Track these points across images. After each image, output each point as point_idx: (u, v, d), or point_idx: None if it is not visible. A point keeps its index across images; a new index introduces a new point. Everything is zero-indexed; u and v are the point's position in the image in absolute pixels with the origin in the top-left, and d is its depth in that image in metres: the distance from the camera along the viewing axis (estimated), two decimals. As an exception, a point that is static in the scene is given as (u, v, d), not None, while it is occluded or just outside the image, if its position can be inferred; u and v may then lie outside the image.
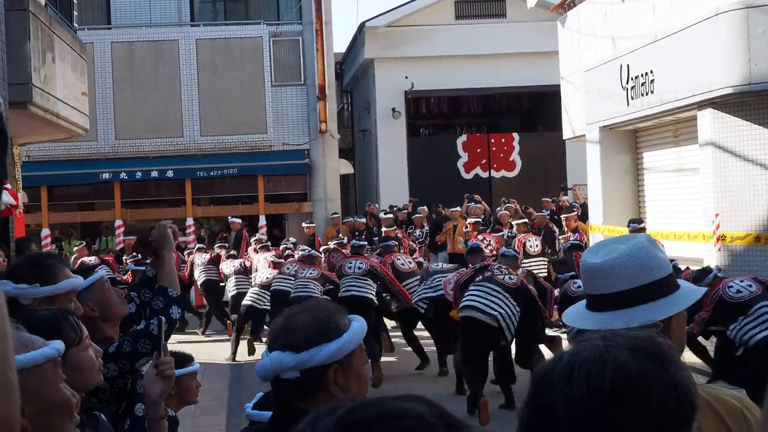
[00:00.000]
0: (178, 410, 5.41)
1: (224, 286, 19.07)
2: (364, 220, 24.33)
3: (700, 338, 10.52)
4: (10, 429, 1.43)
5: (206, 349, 17.09)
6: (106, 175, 26.41)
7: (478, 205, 23.23)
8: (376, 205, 26.22)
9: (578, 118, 19.32)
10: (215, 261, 20.02)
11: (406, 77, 28.65)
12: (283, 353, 2.58)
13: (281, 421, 2.61)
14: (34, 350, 2.36)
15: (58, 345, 2.46)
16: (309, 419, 1.12)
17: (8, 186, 10.80)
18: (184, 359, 5.44)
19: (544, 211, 21.50)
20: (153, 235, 4.75)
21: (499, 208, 23.19)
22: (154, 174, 26.55)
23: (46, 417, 2.31)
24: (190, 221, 26.65)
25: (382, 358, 14.41)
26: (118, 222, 26.52)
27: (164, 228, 4.66)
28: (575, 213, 18.61)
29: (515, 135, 30.42)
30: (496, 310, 11.23)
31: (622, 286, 2.63)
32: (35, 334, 2.71)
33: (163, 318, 4.25)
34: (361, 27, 29.88)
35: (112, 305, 4.30)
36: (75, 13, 16.02)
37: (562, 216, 18.73)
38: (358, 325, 2.69)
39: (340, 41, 66.20)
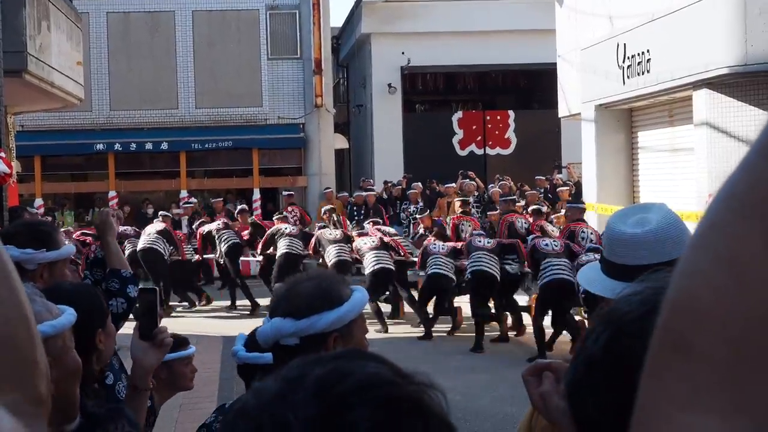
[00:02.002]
0: (168, 398, 5.08)
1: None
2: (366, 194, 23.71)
3: None
4: (44, 402, 1.45)
5: (200, 321, 17.12)
6: (100, 146, 26.36)
7: (472, 182, 23.23)
8: (371, 180, 26.20)
9: (574, 97, 19.29)
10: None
11: (403, 53, 28.59)
12: (283, 320, 2.59)
13: None
14: (56, 318, 2.41)
15: (73, 312, 2.52)
16: (277, 386, 1.09)
17: (2, 154, 10.80)
18: (178, 342, 5.10)
19: (537, 189, 21.52)
20: (96, 221, 4.72)
21: (492, 185, 23.21)
22: (149, 146, 26.51)
23: (63, 382, 2.36)
24: (184, 194, 26.59)
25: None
26: (112, 193, 26.51)
27: (106, 215, 4.67)
28: (569, 188, 18.55)
29: (511, 112, 30.41)
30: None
31: (659, 258, 2.57)
32: (86, 308, 2.81)
33: (157, 288, 4.29)
34: (359, 1, 29.78)
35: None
36: (71, -18, 15.95)
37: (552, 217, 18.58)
38: (359, 295, 2.71)
39: (337, 15, 66.00)
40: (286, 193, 23.73)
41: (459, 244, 15.45)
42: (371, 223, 17.41)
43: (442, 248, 15.25)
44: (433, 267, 14.98)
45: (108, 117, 26.36)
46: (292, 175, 27.23)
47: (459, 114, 30.54)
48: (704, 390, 0.85)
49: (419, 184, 24.00)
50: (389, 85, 29.01)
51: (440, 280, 14.97)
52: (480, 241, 14.67)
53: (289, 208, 21.65)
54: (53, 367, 2.30)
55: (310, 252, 17.11)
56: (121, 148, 26.44)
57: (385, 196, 24.38)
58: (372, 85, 29.46)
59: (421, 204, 22.78)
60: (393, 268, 15.71)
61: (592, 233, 14.59)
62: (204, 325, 16.75)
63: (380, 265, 15.50)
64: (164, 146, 26.43)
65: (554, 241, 13.64)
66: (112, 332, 3.21)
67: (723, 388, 0.84)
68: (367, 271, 15.55)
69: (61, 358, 2.39)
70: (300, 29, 26.87)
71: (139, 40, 26.32)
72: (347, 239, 16.63)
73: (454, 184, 23.03)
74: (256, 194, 26.75)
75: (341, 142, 30.09)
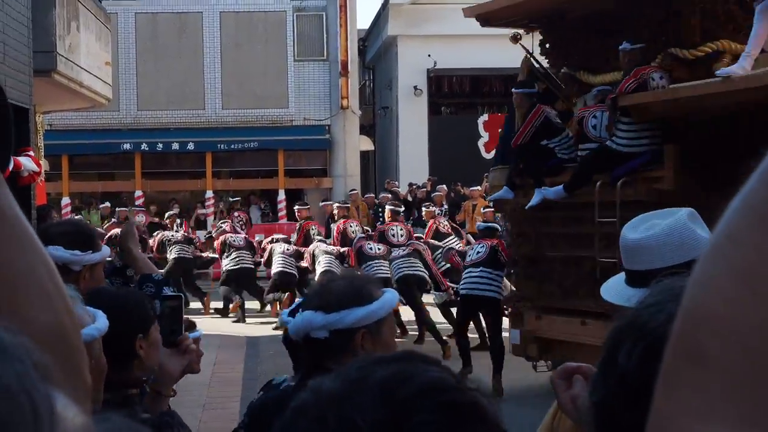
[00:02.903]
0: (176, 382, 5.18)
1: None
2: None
3: None
4: (89, 391, 1.51)
5: (224, 323, 17.19)
6: (127, 146, 26.51)
7: None
8: (396, 182, 26.22)
9: (600, 101, 19.22)
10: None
11: (429, 55, 28.58)
12: (314, 313, 2.68)
13: (310, 379, 2.68)
14: (93, 323, 2.47)
15: (105, 316, 2.58)
16: (339, 386, 1.11)
17: (30, 153, 10.89)
18: (185, 326, 5.25)
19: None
20: (120, 233, 4.82)
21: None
22: (175, 146, 26.64)
23: (96, 383, 2.43)
24: (209, 194, 26.74)
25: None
26: (138, 193, 26.64)
27: (131, 226, 4.81)
28: None
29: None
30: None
31: (661, 263, 2.61)
32: (125, 314, 2.88)
33: (182, 295, 4.35)
34: (385, 3, 29.82)
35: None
36: (100, -18, 16.07)
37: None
38: (390, 295, 2.78)
39: (363, 17, 66.08)
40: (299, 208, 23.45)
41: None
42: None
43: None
44: (467, 285, 12.24)
45: (135, 117, 26.50)
46: (318, 176, 27.30)
47: (485, 117, 30.47)
48: (718, 400, 0.85)
49: (444, 186, 24.00)
50: (415, 88, 29.02)
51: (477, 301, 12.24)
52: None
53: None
54: (91, 370, 2.36)
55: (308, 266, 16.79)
56: (147, 148, 26.58)
57: (410, 198, 24.37)
58: (398, 88, 29.48)
59: (445, 207, 22.77)
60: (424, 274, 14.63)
61: None
62: (227, 326, 16.82)
63: (408, 272, 14.53)
64: (190, 146, 26.55)
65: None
66: (156, 341, 3.23)
67: (737, 399, 0.85)
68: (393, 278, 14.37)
69: (98, 361, 2.44)
70: (327, 31, 26.93)
71: (167, 40, 26.45)
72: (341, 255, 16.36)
73: (479, 187, 23.00)
74: (281, 195, 26.82)
75: (366, 144, 30.13)
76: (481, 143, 29.60)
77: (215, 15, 26.61)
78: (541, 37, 12.12)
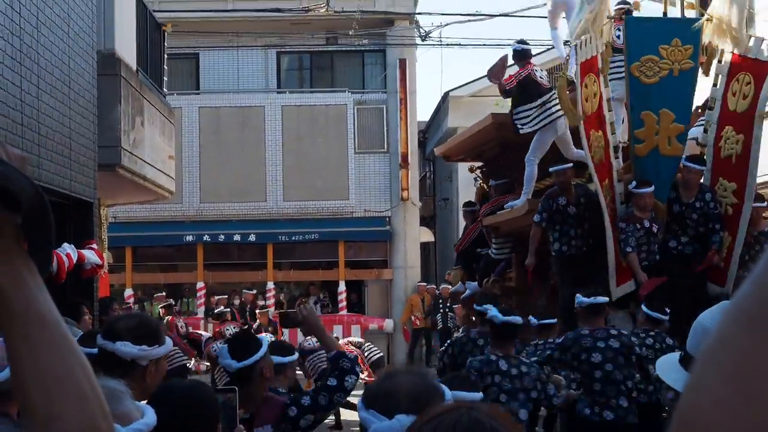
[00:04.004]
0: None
1: None
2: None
3: None
4: None
5: None
6: (189, 237, 26.76)
7: None
8: (456, 273, 26.13)
9: None
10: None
11: (489, 147, 28.65)
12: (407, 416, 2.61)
13: None
14: (142, 417, 2.49)
15: (153, 412, 2.59)
16: None
17: (94, 246, 11.03)
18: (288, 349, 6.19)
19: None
20: (300, 314, 5.27)
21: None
22: (237, 237, 26.84)
23: None
24: (270, 285, 26.83)
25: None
26: (200, 284, 26.80)
27: (312, 309, 5.72)
28: None
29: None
30: None
31: None
32: (200, 409, 2.93)
33: (236, 388, 4.44)
34: (445, 96, 30.05)
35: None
36: (165, 78, 16.39)
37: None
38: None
39: (423, 109, 66.72)
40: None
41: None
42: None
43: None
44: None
45: (198, 209, 26.79)
46: (378, 267, 27.31)
47: (545, 208, 30.36)
48: None
49: None
50: (475, 179, 29.01)
51: None
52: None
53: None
54: None
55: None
56: (209, 240, 26.81)
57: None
58: (458, 179, 29.51)
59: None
60: None
61: None
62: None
63: None
64: (252, 238, 26.74)
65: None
66: None
67: None
68: None
69: None
70: (387, 124, 27.18)
71: (230, 134, 26.83)
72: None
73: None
74: (342, 287, 26.83)
75: (427, 236, 30.14)
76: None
77: (277, 109, 26.99)
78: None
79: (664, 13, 11.76)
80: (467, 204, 15.19)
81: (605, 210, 10.53)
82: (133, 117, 13.10)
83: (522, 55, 12.18)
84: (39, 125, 9.76)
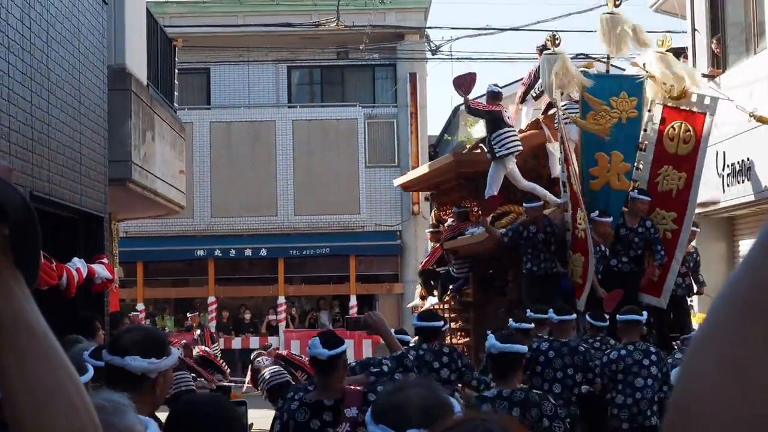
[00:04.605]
0: None
1: None
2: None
3: None
4: None
5: None
6: (200, 252, 26.79)
7: None
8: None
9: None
10: None
11: (500, 161, 28.63)
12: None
13: None
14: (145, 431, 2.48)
15: (156, 425, 2.57)
16: None
17: (105, 261, 11.03)
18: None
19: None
20: (367, 321, 6.48)
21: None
22: (248, 252, 26.87)
23: None
24: (281, 299, 26.83)
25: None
26: (211, 299, 26.81)
27: (380, 315, 6.71)
28: None
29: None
30: None
31: None
32: (227, 421, 2.93)
33: (246, 402, 4.44)
34: (456, 110, 30.03)
35: None
36: (176, 93, 16.41)
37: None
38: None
39: (434, 123, 66.83)
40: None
41: None
42: None
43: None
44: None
45: (209, 224, 26.83)
46: (389, 281, 27.29)
47: (556, 221, 30.34)
48: None
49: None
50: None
51: None
52: None
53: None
54: None
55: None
56: (221, 254, 26.84)
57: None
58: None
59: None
60: None
61: None
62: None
63: None
64: (263, 252, 26.76)
65: None
66: None
67: None
68: None
69: None
70: (398, 138, 27.21)
71: (241, 148, 26.88)
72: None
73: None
74: (353, 301, 26.82)
75: (438, 249, 30.11)
76: (553, 248, 29.40)
77: (288, 123, 27.03)
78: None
79: (607, 71, 13.87)
80: (433, 226, 17.00)
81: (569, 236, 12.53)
82: (143, 132, 13.12)
83: (496, 95, 13.80)
84: (49, 140, 9.77)
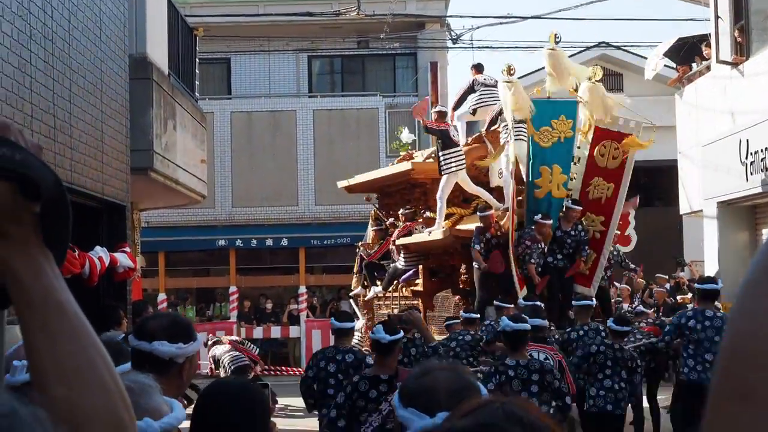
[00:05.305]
0: None
1: None
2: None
3: None
4: None
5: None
6: (222, 242, 26.83)
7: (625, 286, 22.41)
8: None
9: (695, 194, 19.01)
10: None
11: (521, 150, 28.59)
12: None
13: None
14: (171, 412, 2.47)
15: (181, 407, 2.57)
16: None
17: (127, 249, 11.05)
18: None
19: (665, 286, 21.13)
20: (407, 318, 8.55)
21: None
22: (269, 242, 26.89)
23: None
24: (302, 289, 26.85)
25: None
26: (233, 288, 26.86)
27: (417, 314, 8.53)
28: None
29: (631, 210, 29.98)
30: None
31: None
32: (257, 404, 2.93)
33: (269, 384, 4.43)
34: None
35: None
36: (197, 83, 16.42)
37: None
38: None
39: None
40: None
41: None
42: None
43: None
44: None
45: (230, 213, 26.86)
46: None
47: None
48: None
49: (627, 286, 23.51)
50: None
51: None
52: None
53: None
54: None
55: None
56: (242, 244, 26.87)
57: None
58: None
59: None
60: None
61: None
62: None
63: None
64: (284, 242, 26.78)
65: None
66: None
67: None
68: None
69: None
70: (418, 127, 27.13)
71: (262, 138, 26.88)
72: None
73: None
74: (374, 290, 26.78)
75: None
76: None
77: (309, 113, 27.02)
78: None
79: (548, 98, 15.36)
80: (379, 223, 18.94)
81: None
82: (165, 121, 13.13)
83: (442, 114, 16.14)
84: (71, 128, 9.79)
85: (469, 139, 16.97)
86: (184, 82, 15.01)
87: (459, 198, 16.15)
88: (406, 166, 17.12)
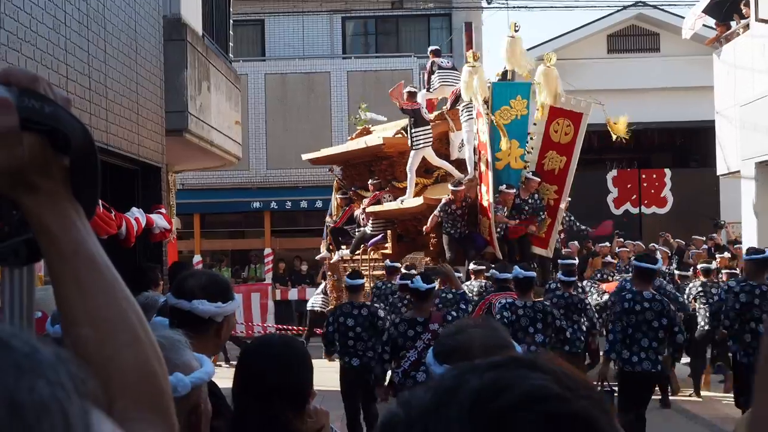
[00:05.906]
0: None
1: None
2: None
3: None
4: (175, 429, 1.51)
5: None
6: (256, 204, 26.91)
7: (663, 248, 22.30)
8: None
9: (733, 154, 18.83)
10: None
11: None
12: None
13: None
14: (202, 368, 2.46)
15: (211, 364, 2.56)
16: (429, 397, 0.99)
17: (163, 211, 11.09)
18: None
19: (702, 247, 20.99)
20: (440, 270, 10.17)
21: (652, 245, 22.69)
22: (303, 204, 26.92)
23: (204, 426, 2.45)
24: (337, 251, 26.89)
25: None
26: (267, 250, 26.94)
27: (448, 266, 10.44)
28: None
29: (667, 171, 29.78)
30: None
31: None
32: (305, 362, 2.94)
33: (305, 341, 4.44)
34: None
35: None
36: (231, 44, 16.39)
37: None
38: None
39: (490, 73, 66.35)
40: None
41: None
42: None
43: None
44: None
45: (264, 176, 26.90)
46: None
47: (614, 172, 30.06)
48: None
49: (575, 243, 23.63)
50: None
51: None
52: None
53: None
54: (201, 412, 2.37)
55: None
56: (276, 206, 26.93)
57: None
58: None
59: (576, 261, 22.35)
60: None
61: None
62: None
63: None
64: (318, 204, 26.79)
65: None
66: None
67: None
68: None
69: (206, 402, 2.44)
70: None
71: (296, 100, 26.86)
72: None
73: (608, 244, 22.60)
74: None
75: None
76: (610, 199, 29.19)
77: (342, 74, 26.95)
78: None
79: (510, 80, 17.58)
80: (343, 192, 20.52)
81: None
82: (199, 82, 13.13)
83: (412, 94, 17.66)
84: (107, 89, 9.81)
85: (433, 115, 18.56)
86: (218, 44, 14.99)
87: (422, 169, 18.04)
88: (377, 140, 18.79)
